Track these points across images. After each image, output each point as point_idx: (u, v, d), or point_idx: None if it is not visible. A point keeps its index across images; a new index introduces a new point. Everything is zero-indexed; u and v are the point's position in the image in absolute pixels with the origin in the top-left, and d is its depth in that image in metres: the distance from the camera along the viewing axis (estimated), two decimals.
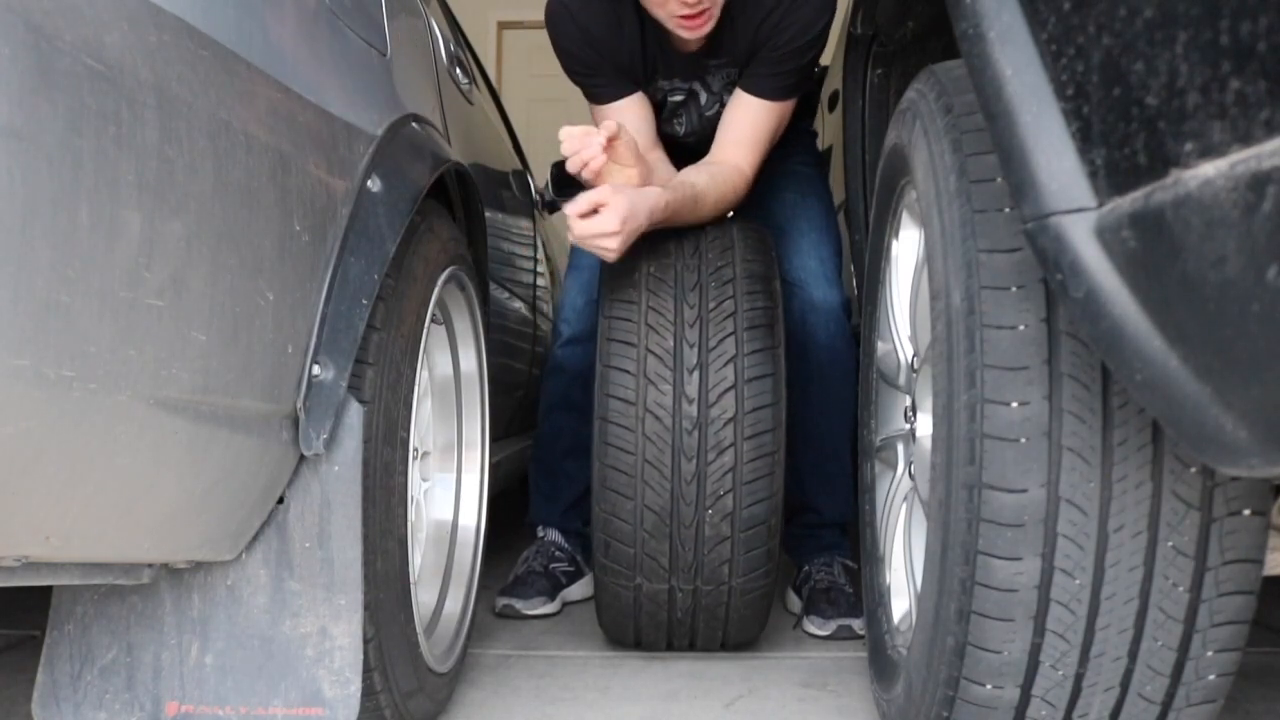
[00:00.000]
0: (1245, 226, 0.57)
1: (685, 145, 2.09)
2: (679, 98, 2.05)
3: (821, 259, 2.03)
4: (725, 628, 1.71)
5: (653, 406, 1.60)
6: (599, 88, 2.00)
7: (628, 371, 1.61)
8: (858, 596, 1.93)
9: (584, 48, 1.95)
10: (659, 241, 1.72)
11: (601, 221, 1.58)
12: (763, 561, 1.63)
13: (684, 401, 1.60)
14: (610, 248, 1.60)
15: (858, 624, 1.88)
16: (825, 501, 2.07)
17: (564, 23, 1.95)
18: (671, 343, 1.63)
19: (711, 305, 1.65)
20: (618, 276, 1.70)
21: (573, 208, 1.60)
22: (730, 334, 1.62)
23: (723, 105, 2.02)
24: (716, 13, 1.81)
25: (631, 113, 1.98)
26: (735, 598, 1.66)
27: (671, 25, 1.82)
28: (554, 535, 2.22)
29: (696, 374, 1.61)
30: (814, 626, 1.93)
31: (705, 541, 1.61)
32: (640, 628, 1.72)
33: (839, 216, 2.51)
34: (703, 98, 2.05)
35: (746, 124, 1.94)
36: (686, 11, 1.77)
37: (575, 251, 2.19)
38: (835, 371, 2.01)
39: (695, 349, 1.62)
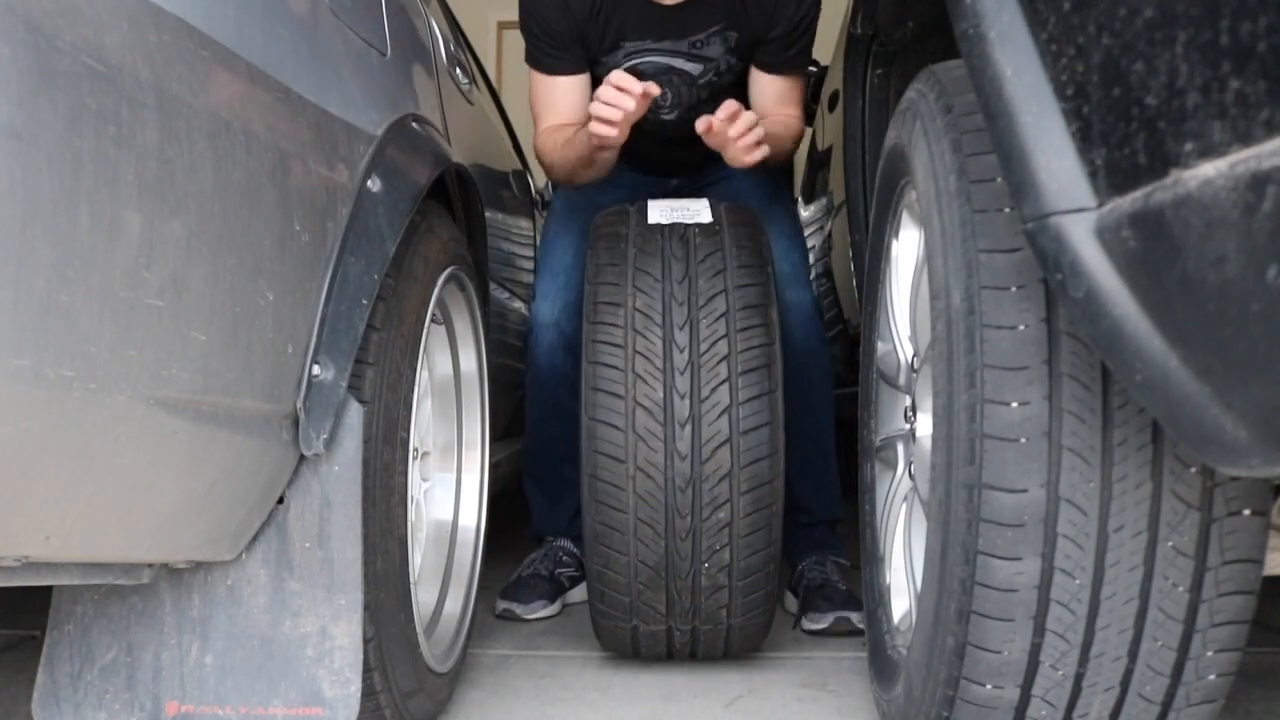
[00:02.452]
0: (1245, 226, 0.57)
1: (661, 132, 2.07)
2: (653, 59, 2.00)
3: (793, 263, 2.07)
4: (727, 641, 1.68)
5: (642, 399, 1.52)
6: (555, 59, 2.00)
7: (616, 367, 1.55)
8: (851, 592, 1.95)
9: (560, 17, 1.96)
10: (646, 240, 1.65)
11: (754, 129, 1.74)
12: (762, 565, 1.58)
13: (675, 396, 1.53)
14: (760, 156, 1.75)
15: (855, 616, 1.89)
16: (814, 499, 2.08)
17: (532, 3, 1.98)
18: (660, 345, 1.56)
19: (701, 302, 1.57)
20: (601, 276, 1.62)
21: (728, 113, 1.73)
22: (723, 336, 1.55)
23: (719, 75, 2.01)
24: None
25: (574, 93, 2.01)
26: (735, 618, 1.61)
27: None
28: (564, 542, 2.20)
29: (688, 373, 1.53)
30: (810, 622, 1.93)
31: (701, 591, 1.56)
32: (639, 651, 1.69)
33: (839, 216, 2.52)
34: (693, 69, 2.01)
35: (783, 89, 2.00)
36: None
37: (547, 254, 2.15)
38: (814, 371, 2.03)
39: (685, 351, 1.55)
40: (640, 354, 1.55)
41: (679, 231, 1.66)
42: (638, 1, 1.95)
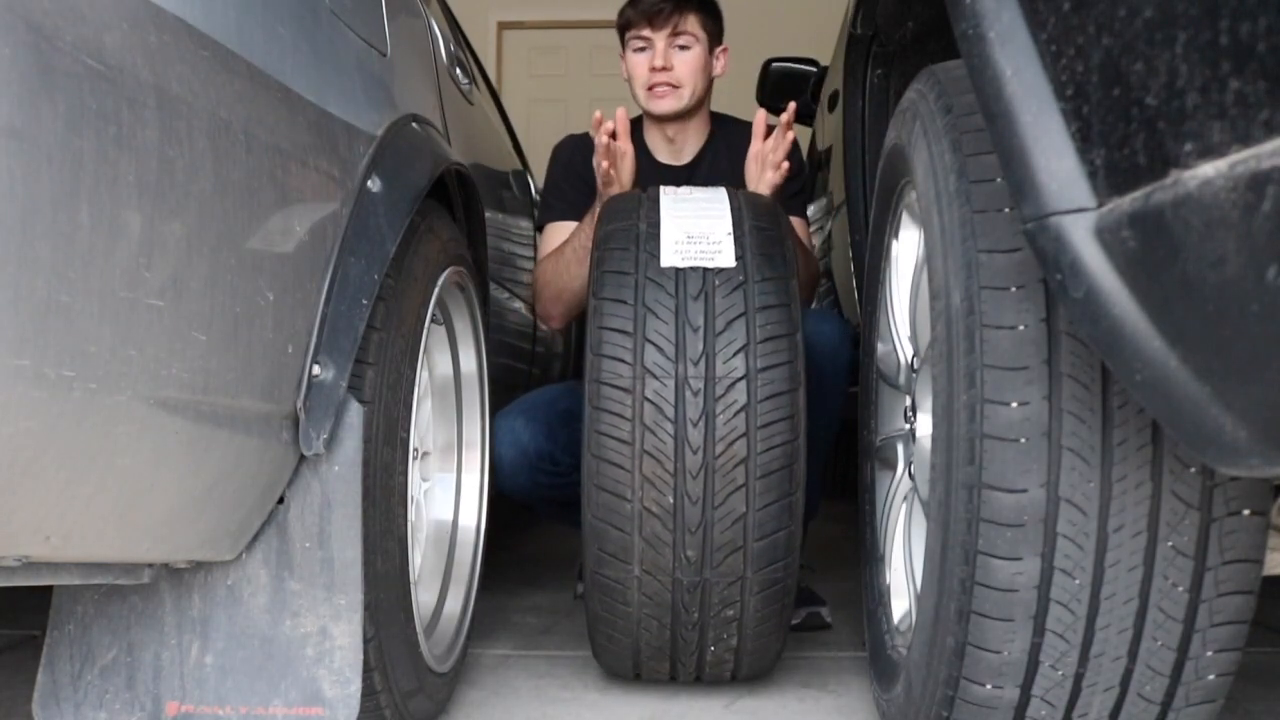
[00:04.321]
0: (1245, 227, 0.57)
1: None
2: None
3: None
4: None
5: (653, 394, 1.43)
6: (569, 204, 2.11)
7: (623, 411, 1.44)
8: (813, 590, 2.05)
9: (585, 166, 2.09)
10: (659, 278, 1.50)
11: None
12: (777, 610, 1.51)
13: (688, 392, 1.42)
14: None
15: (824, 610, 1.99)
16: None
17: (568, 149, 2.18)
18: (673, 364, 1.44)
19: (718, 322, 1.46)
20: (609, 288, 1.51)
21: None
22: (741, 339, 1.44)
23: None
24: (684, 96, 2.07)
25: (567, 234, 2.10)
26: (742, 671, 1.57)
27: (645, 100, 2.08)
28: None
29: (702, 363, 1.43)
30: None
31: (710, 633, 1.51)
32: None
33: (839, 216, 2.52)
34: None
35: None
36: (657, 79, 2.05)
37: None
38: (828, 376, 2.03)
39: (701, 338, 1.44)
40: (648, 310, 1.45)
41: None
42: (649, 162, 2.12)
